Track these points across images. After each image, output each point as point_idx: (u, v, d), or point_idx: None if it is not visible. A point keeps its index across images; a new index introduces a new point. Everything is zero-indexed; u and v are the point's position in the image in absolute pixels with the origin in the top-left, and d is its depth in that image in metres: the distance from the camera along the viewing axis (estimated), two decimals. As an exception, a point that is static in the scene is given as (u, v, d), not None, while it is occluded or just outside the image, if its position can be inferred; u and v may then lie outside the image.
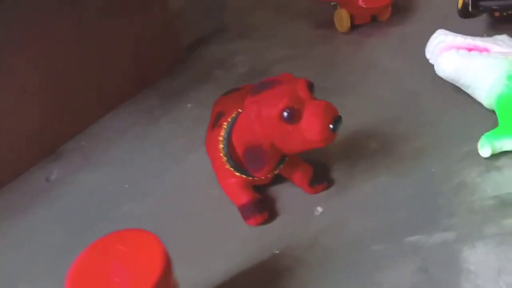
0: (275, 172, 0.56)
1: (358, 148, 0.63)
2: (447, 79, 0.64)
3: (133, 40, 0.80)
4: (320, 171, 0.58)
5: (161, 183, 0.65)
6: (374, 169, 0.59)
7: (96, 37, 0.75)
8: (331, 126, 0.47)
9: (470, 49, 0.62)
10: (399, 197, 0.55)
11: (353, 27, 0.88)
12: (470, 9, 0.73)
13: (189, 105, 0.78)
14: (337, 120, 0.47)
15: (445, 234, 0.50)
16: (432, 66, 0.67)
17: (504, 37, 0.63)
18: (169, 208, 0.61)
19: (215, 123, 0.59)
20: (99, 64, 0.76)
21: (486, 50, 0.61)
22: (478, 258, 0.47)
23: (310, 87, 0.49)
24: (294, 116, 0.47)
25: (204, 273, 0.51)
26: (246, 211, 0.55)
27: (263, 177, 0.55)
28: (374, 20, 0.89)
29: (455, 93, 0.66)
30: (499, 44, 0.61)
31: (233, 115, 0.55)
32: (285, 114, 0.47)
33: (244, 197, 0.55)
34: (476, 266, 0.46)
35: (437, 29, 0.69)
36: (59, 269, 0.51)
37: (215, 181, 0.59)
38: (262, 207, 0.55)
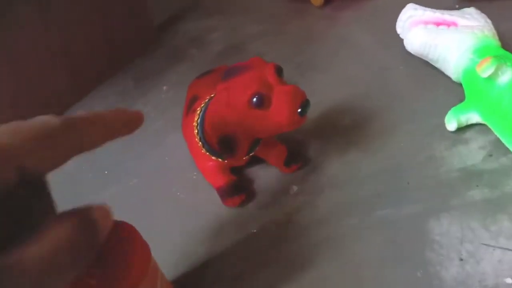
0: (251, 155, 0.57)
1: (331, 125, 0.64)
2: (416, 54, 0.65)
3: (102, 21, 0.78)
4: (294, 151, 0.60)
5: (139, 167, 0.65)
6: (346, 145, 0.61)
7: (63, 20, 0.73)
8: (299, 110, 0.48)
9: (438, 24, 0.62)
10: (369, 172, 0.57)
11: (327, 0, 0.87)
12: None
13: (164, 87, 0.78)
14: (304, 104, 0.48)
15: (412, 206, 0.52)
16: (402, 41, 0.68)
17: (472, 10, 0.64)
18: (148, 191, 0.62)
19: (189, 108, 0.59)
20: (69, 48, 0.74)
21: (454, 24, 0.62)
22: (442, 229, 0.49)
23: (279, 71, 0.50)
24: (264, 102, 0.48)
25: (184, 254, 0.53)
26: (224, 193, 0.56)
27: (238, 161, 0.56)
28: (348, -8, 0.88)
29: (425, 68, 0.67)
30: (466, 17, 0.62)
31: (206, 100, 0.56)
32: (254, 100, 0.48)
33: (221, 180, 0.57)
34: (440, 237, 0.49)
35: (409, 2, 0.70)
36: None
37: (192, 164, 0.60)
38: (239, 189, 0.57)
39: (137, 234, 0.39)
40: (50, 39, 0.72)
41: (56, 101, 0.75)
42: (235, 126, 0.50)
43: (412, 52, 0.65)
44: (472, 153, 0.56)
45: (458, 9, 0.67)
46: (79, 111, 0.77)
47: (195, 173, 0.61)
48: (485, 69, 0.52)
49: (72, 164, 0.70)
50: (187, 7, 0.97)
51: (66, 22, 0.73)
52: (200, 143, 0.55)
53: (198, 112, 0.55)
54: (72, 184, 0.65)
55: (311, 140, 0.63)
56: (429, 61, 0.65)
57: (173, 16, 0.95)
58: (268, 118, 0.49)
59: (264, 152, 0.59)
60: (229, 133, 0.50)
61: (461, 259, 0.46)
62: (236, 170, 0.59)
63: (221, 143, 0.51)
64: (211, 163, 0.57)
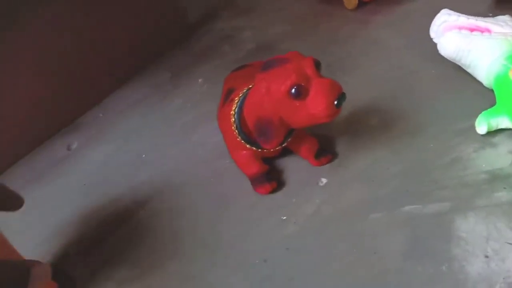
0: (283, 145, 0.59)
1: (360, 123, 0.66)
2: (449, 58, 0.66)
3: (140, 16, 0.82)
4: (324, 145, 0.62)
5: (174, 153, 0.69)
6: (374, 143, 0.62)
7: (104, 14, 0.76)
8: (335, 102, 0.50)
9: (472, 29, 0.64)
10: (396, 170, 0.58)
11: (361, 4, 0.89)
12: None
13: (200, 80, 0.81)
14: (341, 97, 0.50)
15: (438, 204, 0.53)
16: (435, 44, 0.69)
17: (506, 18, 0.65)
18: (181, 176, 0.65)
19: (226, 98, 0.62)
20: (108, 40, 0.79)
21: (488, 30, 0.63)
22: (469, 227, 0.50)
23: (317, 65, 0.52)
24: (301, 93, 0.50)
25: (215, 235, 0.55)
26: (256, 181, 0.59)
27: (272, 149, 0.58)
28: (381, -3, 0.90)
29: (456, 72, 0.68)
30: (500, 24, 0.63)
31: (244, 90, 0.58)
32: (293, 90, 0.50)
33: (254, 168, 0.59)
34: (466, 234, 0.50)
35: (442, 7, 0.70)
36: (80, 228, 0.55)
37: (224, 152, 0.63)
38: (271, 177, 0.59)
39: None
40: (92, 31, 0.76)
41: (95, 90, 0.79)
42: (272, 113, 0.53)
43: (445, 56, 0.66)
44: (501, 157, 0.57)
45: (492, 16, 0.68)
46: (116, 99, 0.81)
47: (227, 161, 0.64)
48: (518, 74, 0.53)
49: (110, 145, 0.75)
50: (221, 6, 1.00)
51: (106, 15, 0.77)
52: (236, 131, 0.58)
53: (236, 101, 0.58)
54: (111, 165, 0.69)
55: (340, 137, 0.65)
56: (461, 65, 0.66)
57: (208, 14, 0.98)
58: (305, 109, 0.51)
59: (295, 145, 0.61)
60: (266, 119, 0.53)
61: (487, 256, 0.47)
62: (267, 161, 0.62)
63: (258, 127, 0.54)
64: (245, 151, 0.59)
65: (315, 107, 0.50)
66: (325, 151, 0.61)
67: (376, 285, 0.47)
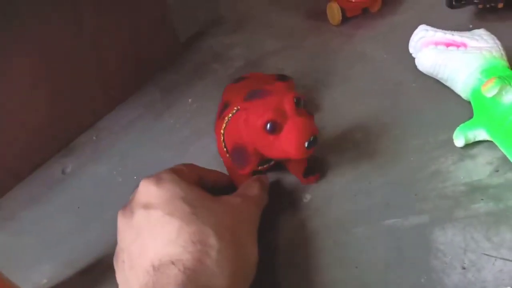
0: (272, 164, 0.62)
1: (345, 138, 0.68)
2: (427, 73, 0.69)
3: (130, 37, 0.84)
4: (313, 163, 0.63)
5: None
6: (357, 158, 0.64)
7: (93, 37, 0.78)
8: (305, 144, 0.52)
9: (448, 44, 0.66)
10: (378, 184, 0.60)
11: (345, 19, 0.91)
12: (453, 2, 0.77)
13: (189, 100, 0.83)
14: (312, 140, 0.52)
15: (418, 217, 0.55)
16: (414, 59, 0.71)
17: (481, 31, 0.67)
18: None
19: (221, 113, 0.64)
20: (100, 63, 0.80)
21: (464, 45, 0.65)
22: (447, 238, 0.52)
23: (297, 102, 0.53)
24: (276, 129, 0.52)
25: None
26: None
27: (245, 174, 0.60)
28: (365, 11, 0.92)
29: (437, 85, 0.70)
30: (476, 38, 0.65)
31: (234, 110, 0.60)
32: (268, 126, 0.52)
33: (243, 178, 0.62)
34: (444, 246, 0.52)
35: (424, 20, 0.73)
36: (73, 250, 0.58)
37: (216, 167, 0.65)
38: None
39: None
40: (83, 53, 0.78)
41: (89, 112, 0.81)
42: (248, 142, 0.55)
43: (423, 71, 0.69)
44: (479, 168, 0.59)
45: (472, 28, 0.70)
46: (109, 120, 0.83)
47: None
48: (490, 89, 0.55)
49: (103, 166, 0.77)
50: (210, 23, 1.03)
51: (98, 37, 0.79)
52: (225, 148, 0.60)
53: (226, 120, 0.60)
54: (104, 187, 0.71)
55: (325, 152, 0.67)
56: (439, 79, 0.68)
57: (198, 32, 1.00)
58: (277, 144, 0.53)
59: (285, 161, 0.63)
60: (242, 146, 0.56)
61: (464, 268, 0.49)
62: (258, 173, 0.63)
63: (234, 152, 0.58)
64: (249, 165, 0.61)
65: (287, 145, 0.52)
66: (313, 170, 0.63)
67: (357, 298, 0.50)
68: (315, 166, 0.64)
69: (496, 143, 0.58)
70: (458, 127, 0.61)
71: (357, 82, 0.78)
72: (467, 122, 0.61)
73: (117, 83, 0.84)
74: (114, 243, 0.61)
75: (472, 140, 0.60)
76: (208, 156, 0.69)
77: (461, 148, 0.61)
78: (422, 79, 0.73)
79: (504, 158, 0.58)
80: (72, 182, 0.73)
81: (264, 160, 0.60)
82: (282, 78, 0.73)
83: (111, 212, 0.66)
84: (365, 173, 0.62)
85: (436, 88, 0.71)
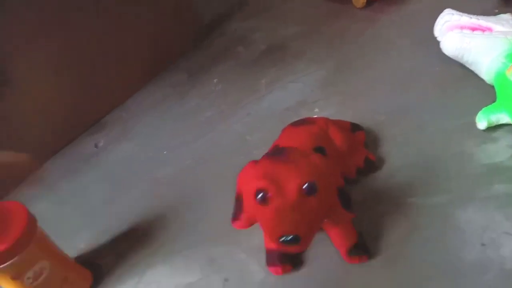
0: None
1: (369, 120, 0.69)
2: (451, 57, 0.69)
3: (159, 19, 0.86)
4: (364, 239, 0.54)
5: (190, 151, 0.73)
6: (381, 139, 0.66)
7: (124, 19, 0.81)
8: (280, 239, 0.43)
9: (473, 29, 0.66)
10: (401, 164, 0.62)
11: (368, 3, 0.92)
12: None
13: (215, 80, 0.85)
14: (287, 240, 0.42)
15: (440, 196, 0.57)
16: (439, 43, 0.72)
17: (508, 16, 0.67)
18: (198, 173, 0.70)
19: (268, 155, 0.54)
20: (130, 44, 0.83)
21: (489, 29, 0.66)
22: (467, 217, 0.54)
23: (309, 189, 0.43)
24: (264, 200, 0.43)
25: (225, 221, 0.59)
26: (271, 258, 0.55)
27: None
28: (389, -4, 0.93)
29: (460, 70, 0.71)
30: (502, 23, 0.66)
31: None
32: (258, 194, 0.44)
33: (274, 244, 0.49)
34: (464, 224, 0.53)
35: (448, 6, 0.73)
36: (107, 218, 0.61)
37: (239, 148, 0.67)
38: (288, 258, 0.54)
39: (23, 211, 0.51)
40: (114, 35, 0.80)
41: (118, 91, 0.84)
42: (244, 196, 0.48)
43: (447, 54, 0.69)
44: (500, 151, 0.60)
45: (497, 13, 0.70)
46: (137, 99, 0.86)
47: (241, 157, 0.68)
48: (515, 73, 0.56)
49: (132, 143, 0.80)
50: (234, 8, 1.04)
51: (127, 20, 0.81)
52: None
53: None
54: (134, 161, 0.74)
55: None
56: (463, 63, 0.69)
57: (221, 15, 1.02)
58: (263, 217, 0.45)
59: (330, 228, 0.53)
60: (241, 198, 0.49)
61: (483, 244, 0.51)
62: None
63: (236, 199, 0.51)
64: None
65: (265, 222, 0.45)
66: (362, 248, 0.53)
67: (382, 268, 0.52)
68: (366, 243, 0.54)
69: (519, 127, 0.59)
70: (481, 110, 0.62)
71: (379, 66, 0.78)
72: (490, 106, 0.62)
73: (144, 64, 0.87)
74: (145, 212, 0.64)
75: (494, 123, 0.61)
76: (232, 137, 0.72)
77: (483, 131, 0.62)
78: (445, 63, 0.73)
79: (526, 142, 0.59)
80: (105, 156, 0.76)
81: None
82: (356, 128, 0.66)
83: (139, 185, 0.70)
84: (387, 154, 0.64)
85: (459, 72, 0.71)
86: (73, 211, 0.70)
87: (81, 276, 0.59)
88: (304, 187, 0.43)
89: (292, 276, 0.54)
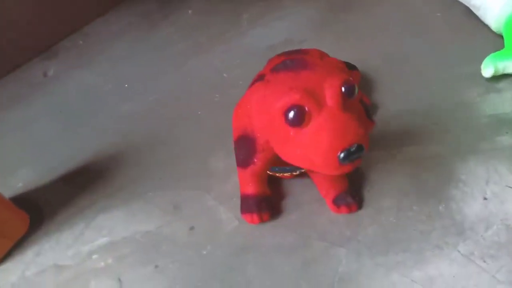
0: (296, 173, 0.47)
1: (364, 64, 0.62)
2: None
3: None
4: (353, 185, 0.48)
5: (159, 86, 0.64)
6: (378, 86, 0.59)
7: None
8: (340, 155, 0.34)
9: (486, -33, 0.59)
10: (397, 111, 0.56)
11: None
12: None
13: (190, 11, 0.75)
14: (353, 150, 0.34)
15: (438, 147, 0.51)
16: (444, -15, 0.65)
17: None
18: (167, 109, 0.61)
19: (250, 86, 0.45)
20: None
21: (503, -31, 0.59)
22: (469, 169, 0.48)
23: (349, 90, 0.35)
24: (301, 120, 0.34)
25: (202, 166, 0.52)
26: (246, 205, 0.47)
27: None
28: None
29: (466, 16, 0.65)
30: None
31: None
32: (291, 114, 0.34)
33: (251, 188, 0.46)
34: (466, 176, 0.48)
35: None
36: (55, 156, 0.51)
37: (214, 86, 0.59)
38: (265, 206, 0.47)
39: None
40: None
41: (76, 14, 0.73)
42: (260, 131, 0.39)
43: (455, -5, 0.63)
44: (505, 102, 0.55)
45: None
46: (98, 26, 0.75)
47: (217, 95, 0.60)
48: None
49: (90, 73, 0.70)
50: None
51: None
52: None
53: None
54: (90, 92, 0.64)
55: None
56: (471, 7, 0.62)
57: None
58: (299, 144, 0.35)
59: (315, 173, 0.45)
60: (250, 136, 0.40)
61: (485, 198, 0.46)
62: (275, 180, 0.51)
63: (238, 143, 0.42)
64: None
65: (312, 149, 0.35)
66: (351, 197, 0.46)
67: (370, 218, 0.46)
68: (358, 190, 0.48)
69: (528, 76, 0.54)
70: (488, 57, 0.56)
71: (379, 10, 0.71)
72: (498, 52, 0.56)
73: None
74: (101, 152, 0.55)
75: (500, 72, 0.56)
76: (208, 72, 0.63)
77: (487, 81, 0.57)
78: (448, 9, 0.67)
79: (532, 94, 0.54)
80: (55, 86, 0.65)
81: (280, 162, 0.40)
82: (351, 67, 0.57)
83: (98, 120, 0.60)
84: (384, 100, 0.57)
85: (463, 19, 0.65)
86: (13, 145, 0.59)
87: (16, 217, 0.50)
88: (343, 89, 0.34)
89: (269, 225, 0.47)
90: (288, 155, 0.37)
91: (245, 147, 0.41)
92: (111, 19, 0.75)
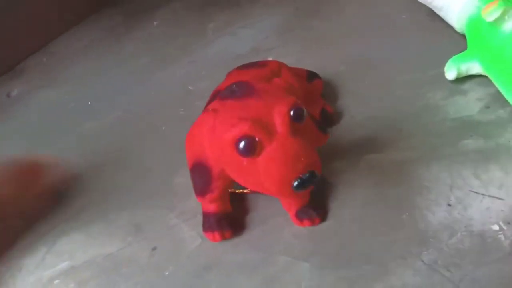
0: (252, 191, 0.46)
1: (328, 71, 0.62)
2: (422, 1, 0.62)
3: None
4: (316, 200, 0.46)
5: (124, 100, 0.63)
6: (341, 91, 0.59)
7: None
8: (294, 183, 0.34)
9: (446, -32, 0.59)
10: (361, 118, 0.55)
11: None
12: None
13: (155, 22, 0.74)
14: (306, 178, 0.34)
15: (402, 153, 0.50)
16: (407, -12, 0.65)
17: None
18: (132, 125, 0.60)
19: (206, 105, 0.46)
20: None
21: (463, -31, 0.58)
22: (432, 176, 0.48)
23: (296, 115, 0.35)
24: (253, 150, 0.34)
25: (165, 183, 0.52)
26: (208, 223, 0.46)
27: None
28: None
29: (428, 17, 0.65)
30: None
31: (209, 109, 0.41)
32: (241, 145, 0.34)
33: (212, 206, 0.45)
34: (429, 183, 0.47)
35: None
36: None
37: (179, 100, 0.58)
38: (227, 224, 0.46)
39: None
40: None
41: (39, 32, 0.71)
42: (213, 161, 0.39)
43: (416, -3, 0.62)
44: (469, 104, 0.54)
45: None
46: (62, 43, 0.74)
47: (182, 109, 0.59)
48: (491, 13, 0.49)
49: (54, 92, 0.69)
50: None
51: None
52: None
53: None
54: (54, 112, 0.63)
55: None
56: (433, 8, 0.62)
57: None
58: (254, 171, 0.35)
59: None
60: (204, 165, 0.40)
61: (449, 205, 0.45)
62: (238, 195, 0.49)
63: (194, 171, 0.41)
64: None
65: (266, 177, 0.35)
66: (313, 210, 0.45)
67: (333, 230, 0.45)
68: (318, 206, 0.46)
69: (491, 77, 0.53)
70: (450, 59, 0.56)
71: (345, 15, 0.70)
72: (460, 54, 0.56)
73: (74, 3, 0.74)
74: (63, 172, 0.54)
75: (464, 74, 0.55)
76: (174, 85, 0.62)
77: (451, 83, 0.56)
78: (412, 11, 0.67)
79: (496, 95, 0.53)
80: (19, 107, 0.64)
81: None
82: (313, 76, 0.56)
83: (60, 140, 0.59)
84: (347, 107, 0.57)
85: (427, 20, 0.65)
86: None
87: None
88: (291, 113, 0.35)
89: (232, 242, 0.46)
90: (245, 183, 0.38)
91: (201, 176, 0.41)
92: (75, 35, 0.75)
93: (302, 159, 0.34)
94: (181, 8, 0.76)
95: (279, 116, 0.35)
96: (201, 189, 0.42)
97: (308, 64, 0.62)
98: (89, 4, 0.78)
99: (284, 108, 0.35)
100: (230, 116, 0.36)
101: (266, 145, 0.34)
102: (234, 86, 0.38)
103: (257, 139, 0.34)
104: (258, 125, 0.34)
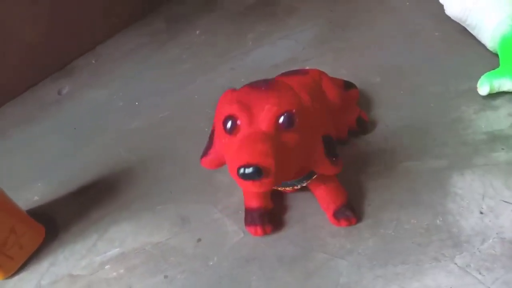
0: (297, 187, 0.48)
1: (363, 81, 0.64)
2: (455, 19, 0.65)
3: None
4: (353, 199, 0.50)
5: (169, 102, 0.67)
6: (375, 101, 0.61)
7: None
8: (239, 170, 0.36)
9: (481, -11, 0.62)
10: (395, 127, 0.58)
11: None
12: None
13: (197, 31, 0.78)
14: (251, 172, 0.36)
15: (436, 161, 0.53)
16: (440, 5, 0.68)
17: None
18: (177, 125, 0.63)
19: None
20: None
21: (497, -10, 0.61)
22: (465, 183, 0.50)
23: (287, 121, 0.38)
24: (231, 129, 0.39)
25: (208, 180, 0.55)
26: (250, 218, 0.49)
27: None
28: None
29: (461, 34, 0.67)
30: (510, -15, 0.61)
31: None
32: (226, 121, 0.39)
33: (255, 202, 0.49)
34: (463, 190, 0.50)
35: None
36: (67, 171, 0.54)
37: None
38: (268, 219, 0.49)
39: None
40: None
41: (89, 35, 0.76)
42: (217, 131, 0.43)
43: (451, 16, 0.65)
44: (500, 119, 0.56)
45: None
46: (110, 46, 0.78)
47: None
48: (526, 32, 0.52)
49: (102, 91, 0.73)
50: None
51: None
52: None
53: None
54: (103, 110, 0.67)
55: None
56: (466, 27, 0.64)
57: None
58: (227, 150, 0.40)
59: (316, 189, 0.48)
60: (213, 133, 0.45)
61: (481, 212, 0.47)
62: (279, 194, 0.52)
63: (210, 135, 0.46)
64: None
65: (227, 156, 0.40)
66: (350, 211, 0.48)
67: (370, 231, 0.47)
68: (356, 203, 0.49)
69: (522, 94, 0.56)
70: (483, 75, 0.58)
71: (377, 27, 0.73)
72: (493, 71, 0.58)
73: (120, 9, 0.78)
74: (111, 167, 0.58)
75: (496, 90, 0.58)
76: (213, 91, 0.65)
77: (483, 98, 0.59)
78: (445, 27, 0.69)
79: (527, 111, 0.56)
80: (69, 104, 0.69)
81: (308, 175, 0.45)
82: (349, 85, 0.59)
83: (109, 136, 0.62)
84: (382, 116, 0.59)
85: (459, 37, 0.67)
86: (25, 162, 0.62)
87: (32, 229, 0.52)
88: (281, 118, 0.38)
89: (272, 237, 0.49)
90: (226, 159, 0.41)
91: (209, 140, 0.46)
92: (121, 40, 0.79)
93: (251, 153, 0.36)
94: (221, 18, 0.80)
95: (265, 112, 0.38)
96: (204, 151, 0.46)
97: (343, 74, 0.65)
98: (134, 12, 0.82)
99: (274, 108, 0.38)
100: (236, 96, 0.41)
101: (242, 129, 0.38)
102: (262, 79, 0.44)
103: (238, 122, 0.38)
104: (246, 111, 0.38)
